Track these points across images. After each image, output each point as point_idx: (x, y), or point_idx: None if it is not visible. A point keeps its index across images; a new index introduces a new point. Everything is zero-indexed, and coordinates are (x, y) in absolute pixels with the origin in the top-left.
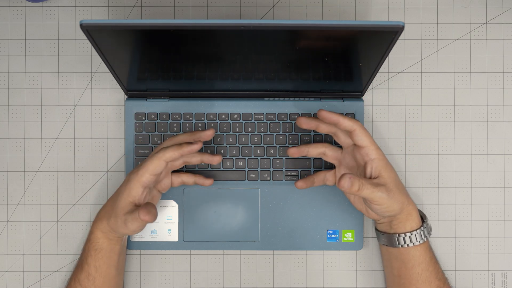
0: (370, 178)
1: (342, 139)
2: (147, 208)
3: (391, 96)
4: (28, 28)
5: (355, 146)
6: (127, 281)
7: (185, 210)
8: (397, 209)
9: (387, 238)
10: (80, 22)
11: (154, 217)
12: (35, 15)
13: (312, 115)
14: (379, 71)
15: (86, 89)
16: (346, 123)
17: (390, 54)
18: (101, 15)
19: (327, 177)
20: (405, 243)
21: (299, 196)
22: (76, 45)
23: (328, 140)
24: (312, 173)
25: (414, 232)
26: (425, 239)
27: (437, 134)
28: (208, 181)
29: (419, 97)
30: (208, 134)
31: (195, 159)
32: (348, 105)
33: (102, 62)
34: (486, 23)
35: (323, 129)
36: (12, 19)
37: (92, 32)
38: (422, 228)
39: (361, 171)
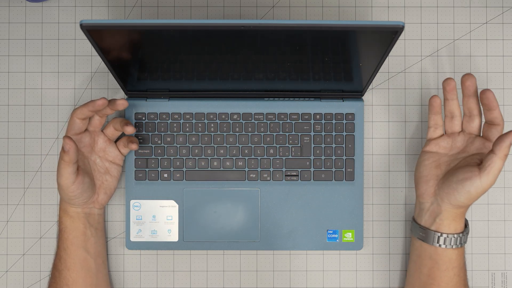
0: (479, 163)
1: (475, 124)
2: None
3: (391, 96)
4: (28, 28)
5: (479, 137)
6: (127, 281)
7: (185, 210)
8: (471, 201)
9: (426, 234)
10: (80, 22)
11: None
12: (35, 15)
13: (312, 115)
14: (379, 71)
15: (86, 89)
16: (499, 115)
17: (390, 54)
18: (101, 15)
19: (440, 127)
20: (444, 243)
21: (299, 196)
22: (76, 45)
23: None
24: (312, 173)
25: (456, 235)
26: (463, 244)
27: None
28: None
29: (419, 97)
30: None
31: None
32: (348, 105)
33: (102, 62)
34: (486, 23)
35: (473, 102)
36: (12, 19)
37: (92, 32)
38: (464, 233)
39: (460, 156)
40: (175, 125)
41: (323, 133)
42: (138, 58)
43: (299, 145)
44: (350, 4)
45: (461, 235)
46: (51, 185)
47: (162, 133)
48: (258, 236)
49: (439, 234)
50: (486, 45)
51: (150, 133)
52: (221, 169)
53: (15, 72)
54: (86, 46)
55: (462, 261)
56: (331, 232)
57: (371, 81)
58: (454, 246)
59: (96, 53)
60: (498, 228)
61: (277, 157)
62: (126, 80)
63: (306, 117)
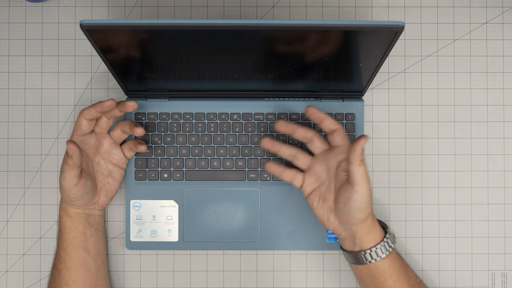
0: (346, 174)
1: (317, 144)
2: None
3: (391, 96)
4: (28, 28)
5: (330, 149)
6: (127, 281)
7: (185, 210)
8: (367, 211)
9: (354, 257)
10: (80, 22)
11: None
12: (35, 15)
13: (307, 116)
14: (379, 71)
15: (86, 89)
16: (331, 121)
17: (390, 54)
18: (101, 15)
19: (296, 177)
20: (372, 258)
21: (299, 196)
22: (76, 45)
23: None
24: None
25: (379, 246)
26: (391, 249)
27: (437, 134)
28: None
29: (419, 97)
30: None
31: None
32: (348, 105)
33: (102, 62)
34: (486, 23)
35: (299, 134)
36: (12, 19)
37: (92, 32)
38: (385, 239)
39: (331, 176)
40: (175, 125)
41: (323, 133)
42: (138, 58)
43: (299, 145)
44: (350, 4)
45: (382, 243)
46: (51, 185)
47: (162, 133)
48: (258, 236)
49: (363, 252)
50: (486, 45)
51: (150, 133)
52: (221, 169)
53: (15, 72)
54: (86, 46)
55: (397, 265)
56: (331, 232)
57: (371, 81)
58: (383, 256)
59: (96, 53)
60: (498, 228)
61: (277, 157)
62: (126, 80)
63: (306, 117)
